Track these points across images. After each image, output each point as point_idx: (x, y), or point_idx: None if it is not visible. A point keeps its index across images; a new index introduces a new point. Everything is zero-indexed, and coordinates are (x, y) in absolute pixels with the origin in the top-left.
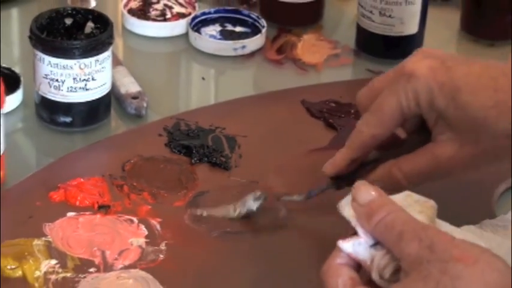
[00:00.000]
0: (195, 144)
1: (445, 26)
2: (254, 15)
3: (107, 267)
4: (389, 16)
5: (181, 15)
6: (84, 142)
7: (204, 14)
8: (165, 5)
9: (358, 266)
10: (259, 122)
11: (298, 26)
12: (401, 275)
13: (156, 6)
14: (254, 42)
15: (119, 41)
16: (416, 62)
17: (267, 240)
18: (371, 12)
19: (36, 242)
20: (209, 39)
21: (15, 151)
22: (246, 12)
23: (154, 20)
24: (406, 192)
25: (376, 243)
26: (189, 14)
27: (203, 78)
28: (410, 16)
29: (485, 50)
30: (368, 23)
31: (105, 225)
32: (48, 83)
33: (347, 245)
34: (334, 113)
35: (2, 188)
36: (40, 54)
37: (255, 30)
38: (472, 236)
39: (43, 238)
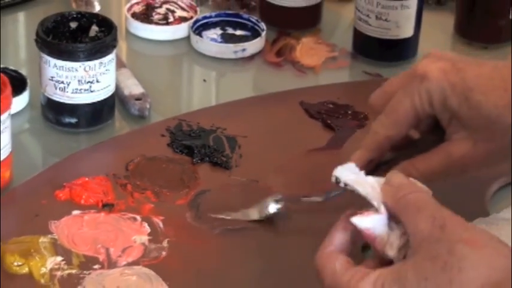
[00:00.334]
0: (197, 144)
1: (439, 29)
2: (254, 19)
3: (111, 264)
4: (386, 20)
5: (183, 19)
6: (89, 142)
7: (205, 17)
8: (168, 9)
9: (349, 253)
10: (259, 122)
11: (297, 29)
12: (409, 252)
13: (158, 10)
14: (254, 45)
15: (122, 44)
16: (428, 65)
17: (267, 237)
18: (368, 16)
19: (42, 239)
20: (210, 42)
21: (22, 151)
22: (246, 16)
23: (157, 23)
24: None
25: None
26: (191, 17)
27: (204, 80)
28: (405, 20)
29: (478, 53)
30: (365, 27)
31: (109, 223)
32: (54, 84)
33: (365, 220)
34: (332, 113)
35: (10, 186)
36: (46, 57)
37: (255, 34)
38: None
39: (49, 235)
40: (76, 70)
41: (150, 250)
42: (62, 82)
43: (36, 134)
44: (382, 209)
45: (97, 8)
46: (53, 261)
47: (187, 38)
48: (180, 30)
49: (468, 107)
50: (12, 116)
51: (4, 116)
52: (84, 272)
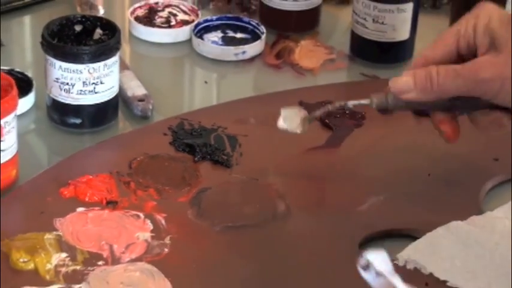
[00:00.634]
0: (198, 143)
1: (435, 32)
2: (254, 22)
3: (115, 260)
4: (382, 23)
5: (185, 22)
6: (93, 142)
7: (206, 21)
8: (170, 12)
9: None
10: (259, 122)
11: (295, 32)
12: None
13: (161, 13)
14: (254, 48)
15: (126, 47)
16: (484, 3)
17: (267, 234)
18: (365, 19)
19: (47, 236)
20: (211, 45)
21: (27, 151)
22: (246, 19)
23: (159, 26)
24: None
25: None
26: (193, 21)
27: (206, 82)
28: (402, 23)
29: None
30: (362, 30)
31: (112, 220)
32: (59, 86)
33: None
34: (330, 113)
35: (16, 185)
36: (51, 59)
37: (255, 37)
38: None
39: (54, 232)
40: (81, 72)
41: (152, 247)
42: (67, 84)
43: (41, 134)
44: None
45: (101, 11)
46: (58, 257)
47: (189, 41)
48: (182, 33)
49: (508, 25)
50: (19, 116)
51: (10, 116)
52: (89, 268)
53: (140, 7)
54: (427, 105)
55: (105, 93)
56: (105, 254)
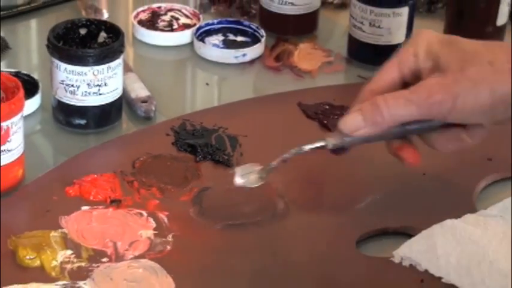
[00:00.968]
0: (200, 143)
1: None
2: (254, 25)
3: (118, 257)
4: (379, 27)
5: (186, 26)
6: (98, 143)
7: (208, 24)
8: (172, 16)
9: None
10: (259, 122)
11: (294, 35)
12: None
13: (163, 17)
14: (254, 51)
15: (129, 50)
16: (421, 29)
17: (267, 232)
18: (362, 23)
19: (53, 233)
20: (212, 48)
21: (33, 151)
22: (246, 23)
23: (162, 30)
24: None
25: None
26: (194, 24)
27: (207, 84)
28: (397, 27)
29: None
30: (359, 33)
31: (116, 218)
32: (64, 88)
33: None
34: (328, 114)
35: (22, 184)
36: (57, 62)
37: (255, 40)
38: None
39: (59, 230)
40: (85, 74)
41: (155, 244)
42: (72, 85)
43: (47, 135)
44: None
45: (105, 15)
46: (64, 254)
47: (191, 44)
48: (184, 37)
49: (448, 47)
50: (25, 117)
51: (17, 117)
52: (93, 264)
53: (143, 11)
54: (383, 135)
55: (109, 95)
56: (109, 251)
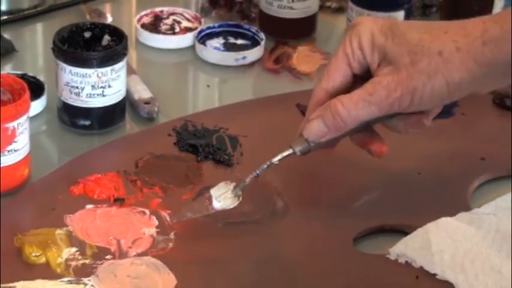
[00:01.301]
0: (201, 143)
1: None
2: (254, 29)
3: (122, 254)
4: None
5: (188, 29)
6: (102, 143)
7: (209, 28)
8: (174, 20)
9: None
10: (259, 123)
11: (293, 39)
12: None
13: (166, 21)
14: (254, 54)
15: (132, 52)
16: (361, 18)
17: (266, 230)
18: None
19: (58, 231)
20: (213, 50)
21: (39, 151)
22: (246, 26)
23: (164, 33)
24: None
25: None
26: (196, 28)
27: (208, 86)
28: None
29: None
30: None
31: (120, 216)
32: (69, 89)
33: None
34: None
35: (28, 183)
36: (62, 64)
37: (255, 43)
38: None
39: (64, 228)
40: (90, 76)
41: (158, 242)
42: (77, 87)
43: (52, 135)
44: None
45: (109, 19)
46: (68, 252)
47: (192, 47)
48: (185, 40)
49: (393, 37)
50: (31, 118)
51: (23, 118)
52: (97, 262)
53: (146, 15)
54: (347, 133)
55: (113, 96)
56: (113, 248)
